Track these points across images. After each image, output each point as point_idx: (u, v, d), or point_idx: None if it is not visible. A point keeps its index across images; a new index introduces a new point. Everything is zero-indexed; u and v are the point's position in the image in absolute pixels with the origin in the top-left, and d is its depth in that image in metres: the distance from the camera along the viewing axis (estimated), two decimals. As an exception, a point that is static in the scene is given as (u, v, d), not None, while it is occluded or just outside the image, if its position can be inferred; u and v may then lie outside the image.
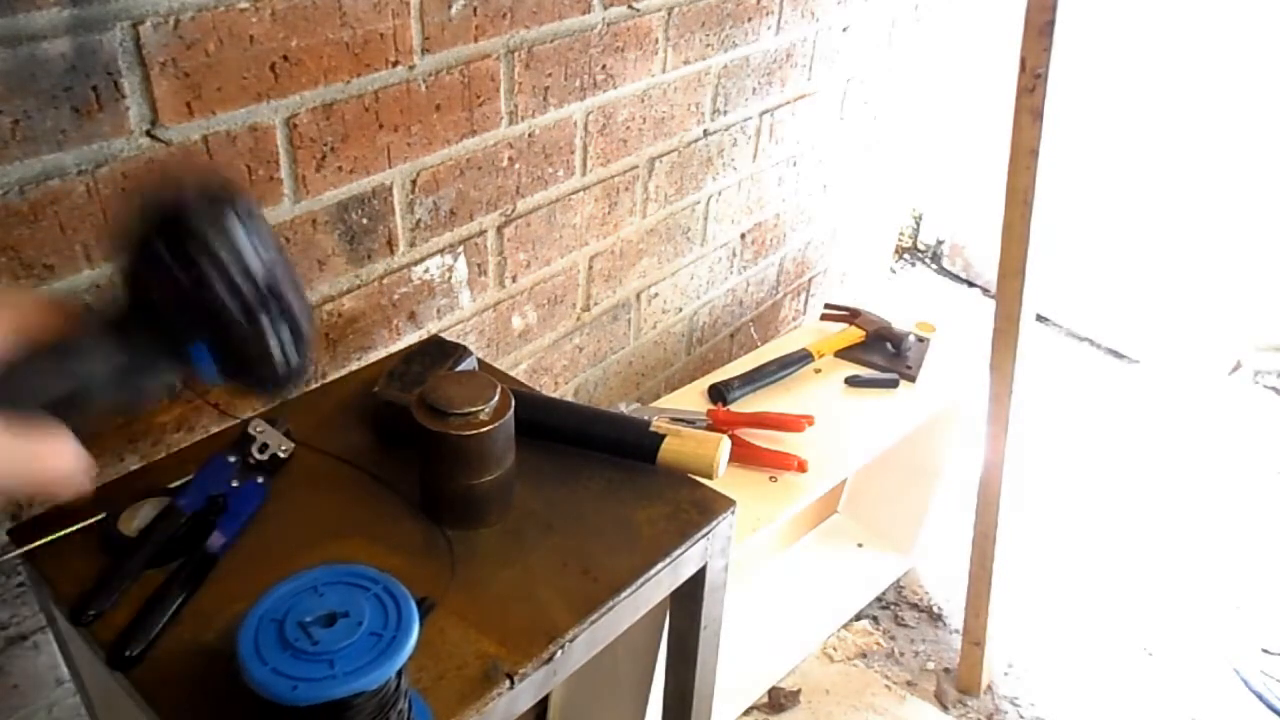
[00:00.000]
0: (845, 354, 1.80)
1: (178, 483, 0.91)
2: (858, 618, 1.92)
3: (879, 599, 1.97)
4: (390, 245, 1.20)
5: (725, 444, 0.97)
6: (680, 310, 1.81)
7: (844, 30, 1.86)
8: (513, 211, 1.34)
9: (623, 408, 1.65)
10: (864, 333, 1.83)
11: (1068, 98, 1.34)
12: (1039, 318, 2.77)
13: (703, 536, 0.93)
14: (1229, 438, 2.43)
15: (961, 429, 1.85)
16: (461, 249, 1.29)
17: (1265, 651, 1.89)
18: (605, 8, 1.31)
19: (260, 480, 0.91)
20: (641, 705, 1.41)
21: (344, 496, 0.94)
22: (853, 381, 1.73)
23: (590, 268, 1.53)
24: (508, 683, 0.77)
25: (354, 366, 1.21)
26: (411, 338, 1.28)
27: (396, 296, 1.24)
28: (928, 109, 2.34)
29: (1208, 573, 2.06)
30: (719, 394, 1.65)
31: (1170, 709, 1.77)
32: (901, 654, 1.86)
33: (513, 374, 1.43)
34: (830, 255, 2.22)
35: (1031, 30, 1.29)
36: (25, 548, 0.85)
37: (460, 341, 1.11)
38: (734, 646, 1.67)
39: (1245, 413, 2.52)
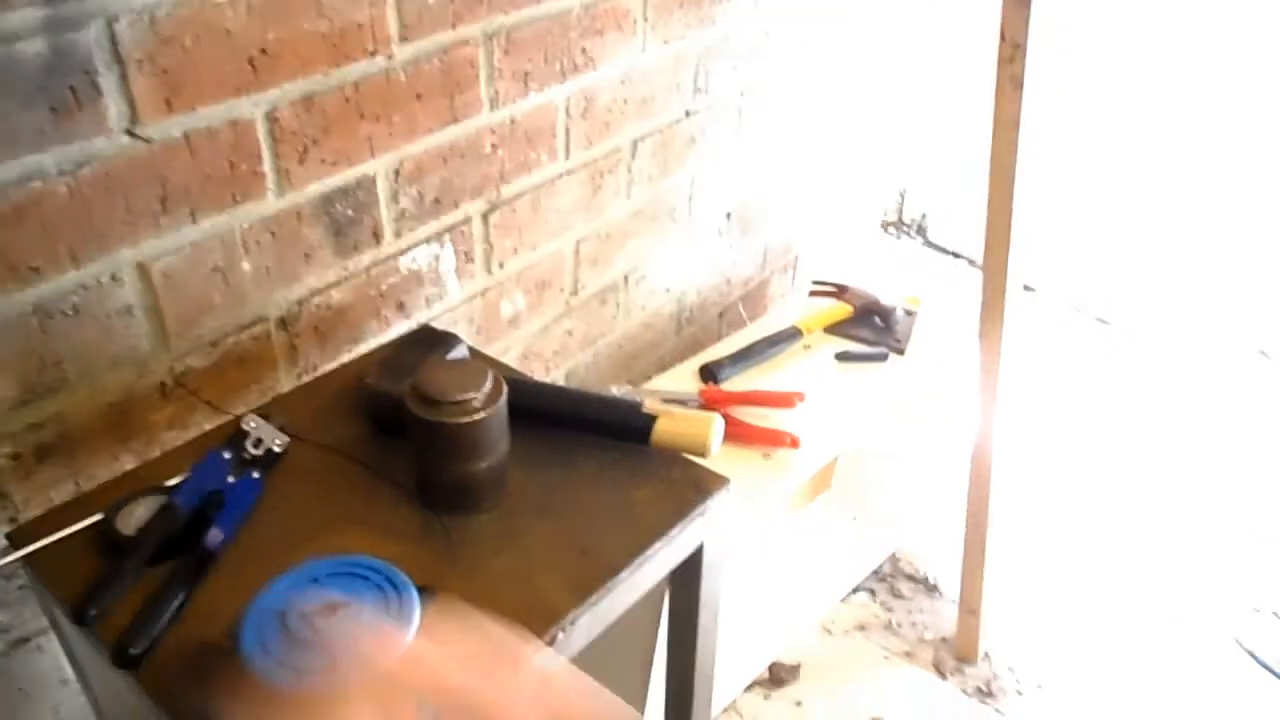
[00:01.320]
0: (834, 329, 1.81)
1: (174, 480, 0.91)
2: (855, 591, 1.94)
3: (875, 572, 1.98)
4: (376, 236, 1.19)
5: (718, 422, 0.97)
6: (668, 291, 1.81)
7: (823, 6, 1.85)
8: (498, 198, 1.34)
9: (614, 390, 1.65)
10: (852, 308, 1.83)
11: (1053, 67, 1.34)
12: (1026, 287, 2.78)
13: (698, 514, 0.94)
14: (1221, 405, 2.45)
15: (952, 400, 1.86)
16: (448, 237, 1.29)
17: (1257, 611, 1.91)
18: (583, -10, 1.31)
19: (256, 475, 0.92)
20: (643, 686, 1.42)
21: (340, 488, 0.94)
22: (842, 356, 1.74)
23: (577, 251, 1.53)
24: (510, 666, 0.78)
25: (345, 358, 1.21)
26: (401, 327, 1.28)
27: (384, 287, 1.24)
28: (910, 83, 2.34)
29: (1205, 538, 2.08)
30: (710, 373, 1.65)
31: (1167, 674, 1.80)
32: (899, 625, 1.88)
33: (503, 360, 1.43)
34: (816, 231, 2.22)
35: (1010, 0, 1.29)
36: (23, 551, 0.85)
37: (450, 330, 1.12)
38: (732, 624, 1.68)
39: (1240, 381, 2.54)
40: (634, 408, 0.99)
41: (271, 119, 1.02)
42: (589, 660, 1.50)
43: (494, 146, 1.29)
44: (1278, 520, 2.11)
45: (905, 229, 3.08)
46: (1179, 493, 2.18)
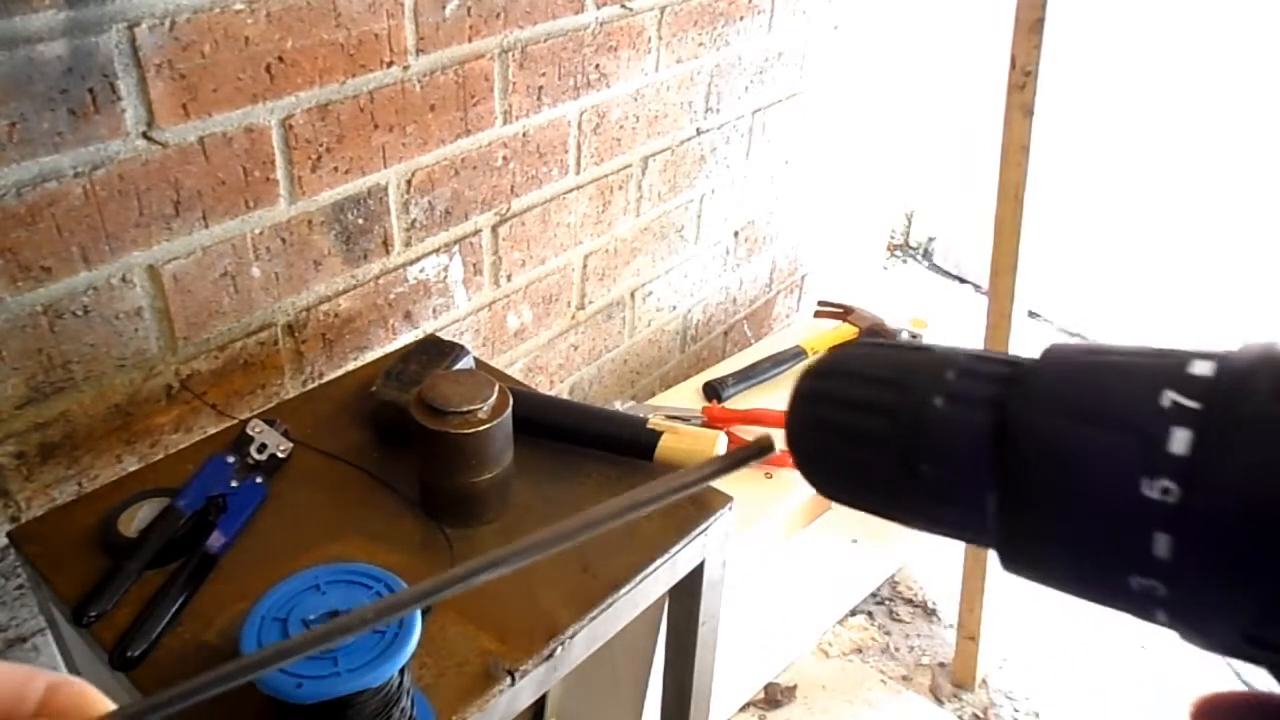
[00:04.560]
0: (839, 351, 1.81)
1: (177, 483, 0.91)
2: (853, 613, 1.93)
3: (874, 594, 1.97)
4: (386, 245, 1.20)
5: (722, 440, 0.97)
6: (674, 308, 1.81)
7: (835, 29, 1.87)
8: (507, 211, 1.34)
9: (618, 406, 1.65)
10: (857, 330, 1.84)
11: (1060, 94, 1.35)
12: (1030, 314, 2.79)
13: (700, 533, 0.94)
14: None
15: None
16: (457, 248, 1.30)
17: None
18: (598, 7, 1.32)
19: (259, 480, 0.92)
20: (639, 702, 1.42)
21: (343, 496, 0.94)
22: (846, 378, 1.74)
23: (584, 266, 1.54)
24: (509, 679, 0.78)
25: (351, 366, 1.21)
26: (408, 337, 1.28)
27: (392, 296, 1.24)
28: (919, 106, 2.35)
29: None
30: (713, 391, 1.65)
31: (1164, 702, 1.79)
32: (897, 649, 1.87)
33: (508, 373, 1.43)
34: (822, 253, 2.23)
35: (1022, 28, 1.30)
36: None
37: (456, 341, 1.12)
38: (730, 643, 1.68)
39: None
40: (639, 424, 1.00)
41: (286, 126, 1.02)
42: (586, 674, 1.50)
43: (505, 159, 1.30)
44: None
45: (911, 252, 3.09)
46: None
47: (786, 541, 2.04)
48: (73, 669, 0.98)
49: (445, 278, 1.30)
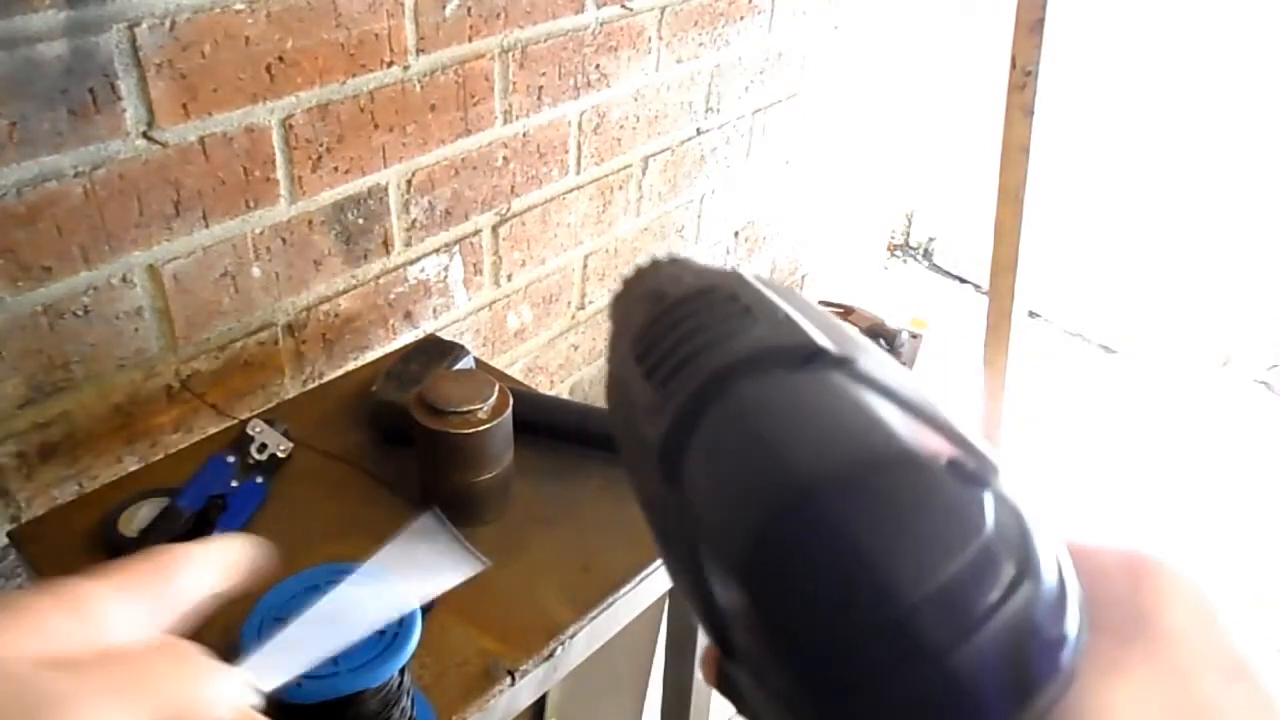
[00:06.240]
0: (839, 351, 1.81)
1: (177, 483, 0.91)
2: (853, 613, 1.93)
3: (874, 594, 1.97)
4: (386, 245, 1.20)
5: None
6: (674, 308, 1.81)
7: (835, 29, 1.87)
8: (508, 211, 1.35)
9: (618, 406, 1.65)
10: (857, 330, 1.84)
11: (1060, 94, 1.35)
12: (1031, 314, 2.78)
13: (700, 532, 0.94)
14: (1220, 432, 2.44)
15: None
16: (457, 248, 1.30)
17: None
18: (598, 7, 1.32)
19: (259, 480, 0.92)
20: (639, 701, 1.42)
21: (343, 496, 0.94)
22: (847, 378, 1.74)
23: (585, 266, 1.54)
24: (509, 679, 0.78)
25: (351, 366, 1.21)
26: (408, 337, 1.28)
27: (393, 296, 1.24)
28: (919, 106, 2.35)
29: (1203, 566, 2.07)
30: (714, 391, 1.65)
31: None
32: (897, 649, 1.87)
33: (509, 373, 1.43)
34: (822, 253, 2.23)
35: (1022, 28, 1.30)
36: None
37: (457, 341, 1.12)
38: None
39: (1236, 408, 2.54)
40: (639, 423, 0.99)
41: (286, 126, 1.02)
42: (586, 674, 1.50)
43: (505, 159, 1.30)
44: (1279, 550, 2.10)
45: (912, 252, 3.09)
46: (1181, 522, 2.17)
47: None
48: (73, 669, 0.98)
49: (445, 278, 1.30)
